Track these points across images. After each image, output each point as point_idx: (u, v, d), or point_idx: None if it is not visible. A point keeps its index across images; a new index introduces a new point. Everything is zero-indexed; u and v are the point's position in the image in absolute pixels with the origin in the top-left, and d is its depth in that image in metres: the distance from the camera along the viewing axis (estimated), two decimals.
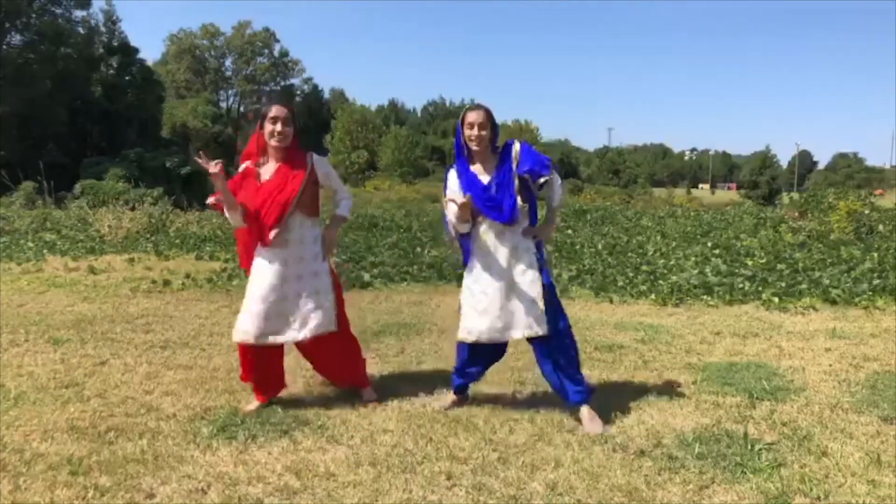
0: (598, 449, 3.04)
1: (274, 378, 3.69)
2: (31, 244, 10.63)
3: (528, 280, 3.42)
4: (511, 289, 3.42)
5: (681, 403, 3.65)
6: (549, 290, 3.45)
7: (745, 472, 2.80)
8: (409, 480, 2.73)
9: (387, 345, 4.95)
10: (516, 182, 3.40)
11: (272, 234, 3.45)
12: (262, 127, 3.51)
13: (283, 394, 3.75)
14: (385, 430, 3.25)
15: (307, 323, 3.52)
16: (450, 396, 3.68)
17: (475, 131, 3.38)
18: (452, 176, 3.53)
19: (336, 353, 3.69)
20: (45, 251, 9.87)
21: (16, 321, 5.46)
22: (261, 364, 3.58)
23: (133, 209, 13.24)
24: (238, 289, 7.17)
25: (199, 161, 3.34)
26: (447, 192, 3.54)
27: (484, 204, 3.41)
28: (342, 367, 3.76)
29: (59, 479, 2.68)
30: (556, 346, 3.42)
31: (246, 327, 3.47)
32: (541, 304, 3.39)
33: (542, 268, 3.47)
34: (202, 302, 6.47)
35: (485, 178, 3.44)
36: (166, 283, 7.35)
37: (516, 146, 3.46)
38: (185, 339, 5.00)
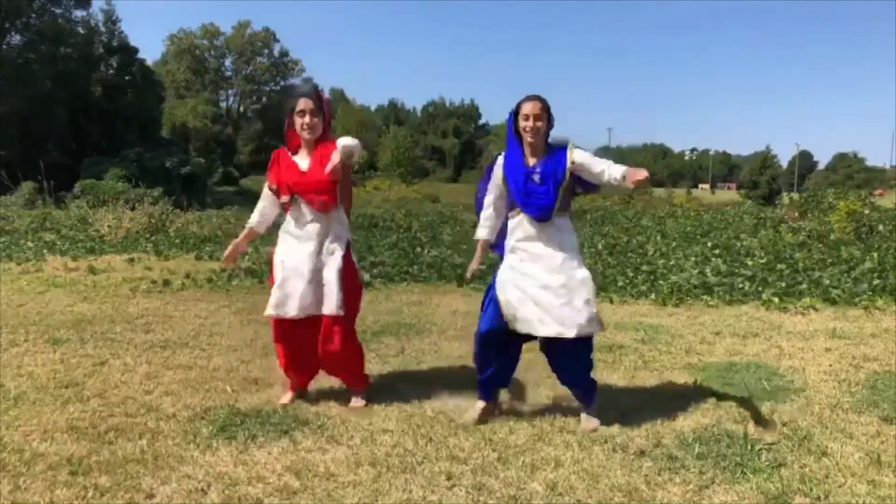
0: (598, 449, 3.04)
1: (309, 360, 3.64)
2: (30, 244, 10.62)
3: (579, 278, 3.28)
4: (552, 283, 3.26)
5: (681, 403, 3.65)
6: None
7: (745, 472, 2.80)
8: (409, 480, 2.73)
9: (387, 345, 4.95)
10: (564, 180, 3.28)
11: (332, 208, 3.53)
12: (291, 123, 3.53)
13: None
14: (385, 430, 3.25)
15: (326, 301, 3.49)
16: (478, 405, 3.45)
17: (531, 122, 3.30)
18: (500, 162, 3.45)
19: (335, 343, 3.57)
20: (44, 251, 9.86)
21: (16, 321, 5.46)
22: (297, 345, 3.59)
23: (133, 209, 13.22)
24: (238, 289, 7.17)
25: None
26: (491, 177, 3.49)
27: (522, 193, 3.32)
28: (340, 361, 3.65)
29: (59, 479, 2.68)
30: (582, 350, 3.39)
31: (287, 302, 3.49)
32: (593, 307, 3.27)
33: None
34: (202, 302, 6.47)
35: (530, 161, 3.35)
36: (166, 283, 7.35)
37: (576, 152, 3.33)
38: (185, 339, 5.00)
